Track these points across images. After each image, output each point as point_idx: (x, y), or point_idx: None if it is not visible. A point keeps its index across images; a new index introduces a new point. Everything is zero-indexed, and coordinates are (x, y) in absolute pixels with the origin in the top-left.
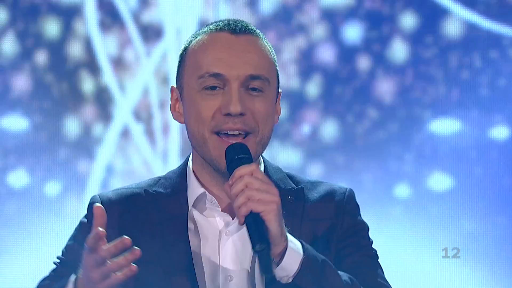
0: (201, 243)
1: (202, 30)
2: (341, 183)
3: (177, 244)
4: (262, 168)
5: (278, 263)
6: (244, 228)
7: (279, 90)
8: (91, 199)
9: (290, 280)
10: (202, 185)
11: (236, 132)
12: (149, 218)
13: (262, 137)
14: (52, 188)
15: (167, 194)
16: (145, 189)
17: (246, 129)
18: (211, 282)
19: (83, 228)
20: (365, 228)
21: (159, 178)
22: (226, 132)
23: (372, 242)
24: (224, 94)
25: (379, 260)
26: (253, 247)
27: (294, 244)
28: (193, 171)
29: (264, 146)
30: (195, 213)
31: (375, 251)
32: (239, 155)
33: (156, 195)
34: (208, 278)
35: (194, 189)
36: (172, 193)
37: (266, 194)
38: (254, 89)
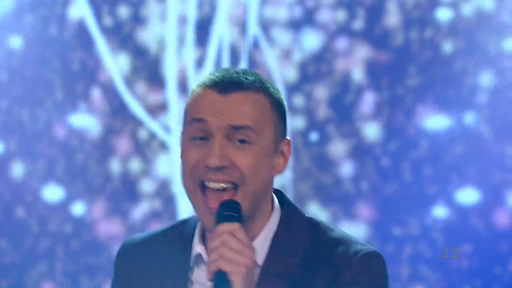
0: None
1: (201, 81)
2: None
3: None
4: (276, 220)
5: None
6: None
7: (287, 138)
8: (120, 246)
9: None
10: (204, 239)
11: (219, 186)
12: (155, 271)
13: (252, 191)
14: None
15: (178, 245)
16: (162, 236)
17: (231, 179)
18: None
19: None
20: None
21: (182, 222)
22: (208, 185)
23: None
24: (207, 145)
25: None
26: None
27: None
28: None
29: (257, 200)
30: (196, 272)
31: None
32: (227, 211)
33: (167, 244)
34: None
35: (195, 246)
36: (182, 245)
37: (238, 255)
38: (242, 141)
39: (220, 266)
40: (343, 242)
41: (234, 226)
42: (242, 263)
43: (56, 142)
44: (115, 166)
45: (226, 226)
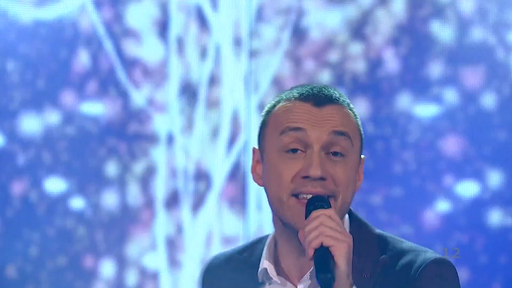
0: None
1: (286, 95)
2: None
3: None
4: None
5: None
6: None
7: (362, 156)
8: (205, 264)
9: None
10: (274, 255)
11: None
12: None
13: (343, 203)
14: None
15: (250, 263)
16: (237, 254)
17: (326, 192)
18: None
19: None
20: None
21: (259, 240)
22: (305, 196)
23: None
24: (305, 157)
25: None
26: (317, 276)
27: None
28: (274, 238)
29: (344, 212)
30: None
31: None
32: (318, 203)
33: (241, 262)
34: None
35: (263, 262)
36: (254, 262)
37: (339, 233)
38: (335, 153)
39: (322, 240)
40: (412, 251)
41: (330, 211)
42: (344, 239)
43: None
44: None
45: (322, 210)
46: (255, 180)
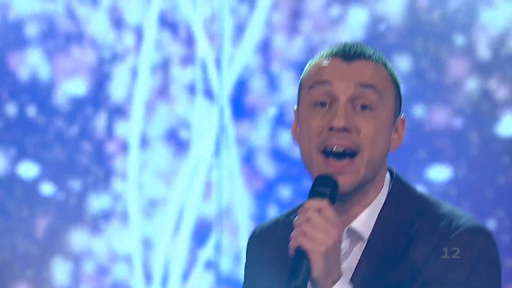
0: None
1: (320, 54)
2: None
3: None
4: (385, 195)
5: None
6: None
7: (402, 116)
8: (251, 232)
9: None
10: None
11: (341, 149)
12: (282, 253)
13: (370, 159)
14: None
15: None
16: (284, 217)
17: (352, 146)
18: None
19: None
20: (464, 284)
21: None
22: (331, 149)
23: None
24: (332, 110)
25: None
26: (287, 283)
27: None
28: None
29: (374, 169)
30: None
31: None
32: (320, 187)
33: (288, 224)
34: None
35: None
36: None
37: (320, 234)
38: (364, 107)
39: (300, 243)
40: (448, 216)
41: (323, 203)
42: (323, 242)
43: None
44: None
45: (314, 203)
46: (295, 140)
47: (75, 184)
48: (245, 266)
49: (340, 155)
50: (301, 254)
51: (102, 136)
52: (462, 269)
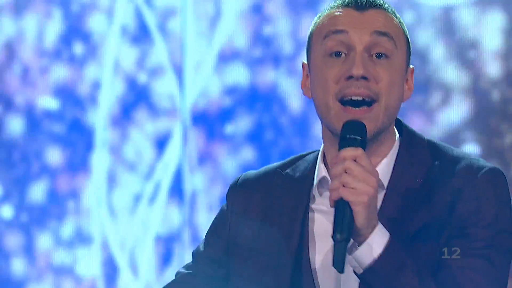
0: (316, 242)
1: (330, 5)
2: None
3: (287, 239)
4: (396, 142)
5: (353, 253)
6: None
7: (411, 66)
8: (232, 182)
9: (360, 271)
10: (327, 166)
11: (360, 98)
12: (271, 204)
13: (387, 106)
14: None
15: (296, 178)
16: (278, 171)
17: (370, 94)
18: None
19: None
20: (495, 221)
21: (300, 158)
22: (349, 97)
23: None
24: (349, 59)
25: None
26: (332, 235)
27: (379, 238)
28: (323, 151)
29: (390, 117)
30: (317, 201)
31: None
32: (352, 134)
33: (284, 178)
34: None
35: (318, 173)
36: (300, 177)
37: (361, 184)
38: (379, 56)
39: (342, 195)
40: (465, 158)
41: (358, 152)
42: (365, 191)
43: None
44: None
45: (350, 152)
46: (305, 94)
47: None
48: (222, 214)
49: (357, 103)
50: (343, 206)
51: None
52: (492, 206)
